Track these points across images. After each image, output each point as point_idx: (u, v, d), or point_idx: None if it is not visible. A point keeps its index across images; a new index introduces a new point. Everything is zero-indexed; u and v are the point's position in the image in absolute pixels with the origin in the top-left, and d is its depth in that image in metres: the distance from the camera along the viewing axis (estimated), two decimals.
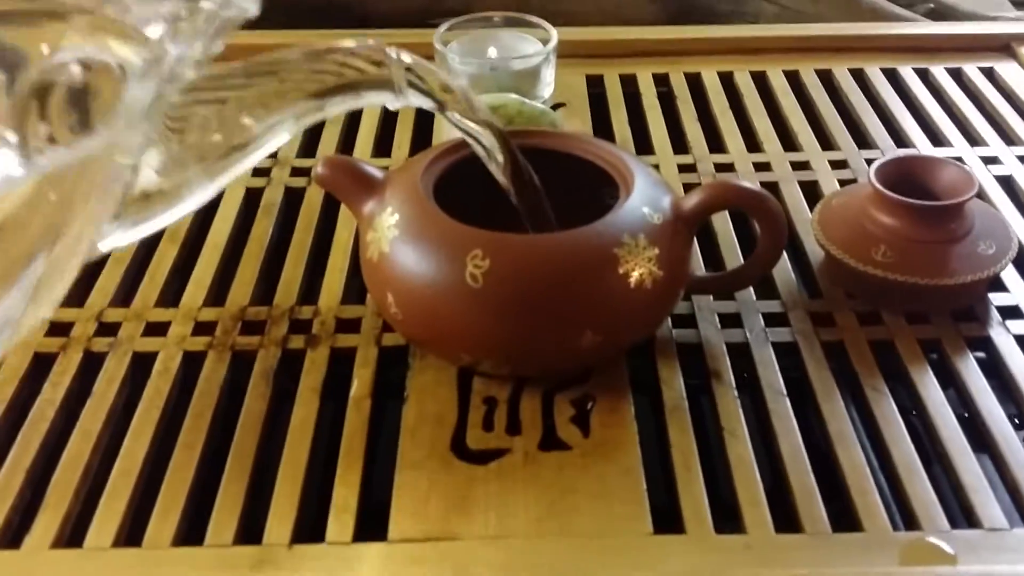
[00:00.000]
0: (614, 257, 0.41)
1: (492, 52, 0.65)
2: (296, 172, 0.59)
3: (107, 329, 0.47)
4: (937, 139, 0.62)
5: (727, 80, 0.68)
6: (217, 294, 0.50)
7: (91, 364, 0.46)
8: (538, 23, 0.65)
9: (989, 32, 0.71)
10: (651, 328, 0.45)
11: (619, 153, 0.47)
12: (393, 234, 0.43)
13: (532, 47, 0.65)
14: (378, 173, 0.46)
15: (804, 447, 0.41)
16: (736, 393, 0.44)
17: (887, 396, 0.44)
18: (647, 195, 0.44)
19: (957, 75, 0.69)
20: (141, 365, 0.46)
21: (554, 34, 0.64)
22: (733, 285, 0.48)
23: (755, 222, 0.45)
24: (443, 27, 0.64)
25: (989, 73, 0.69)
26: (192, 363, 0.46)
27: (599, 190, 0.46)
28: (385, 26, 0.74)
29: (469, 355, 0.43)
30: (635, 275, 0.42)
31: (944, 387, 0.44)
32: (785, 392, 0.44)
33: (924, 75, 0.69)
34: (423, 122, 0.64)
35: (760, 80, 0.68)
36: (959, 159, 0.59)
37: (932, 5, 0.78)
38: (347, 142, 0.62)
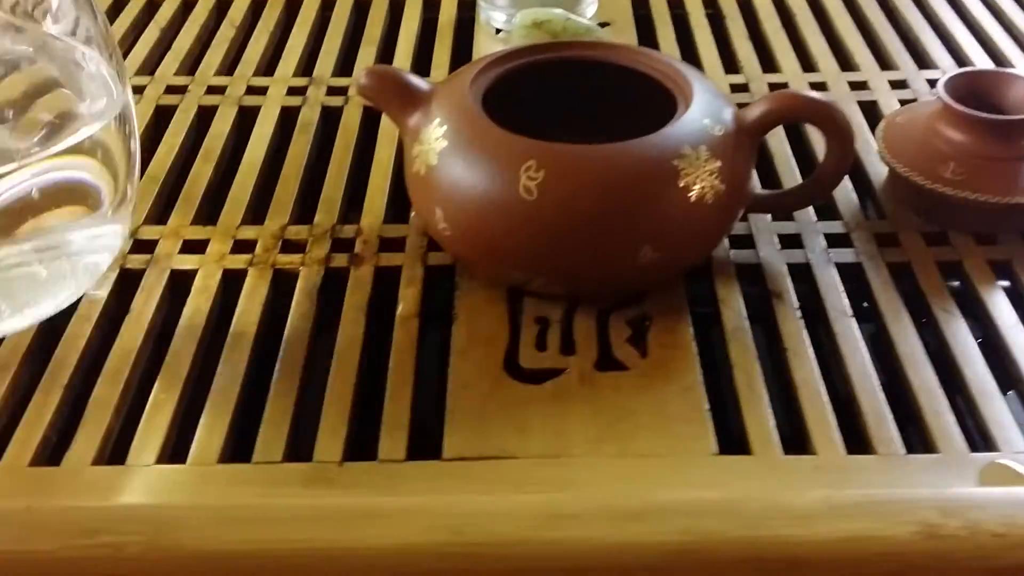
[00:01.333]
0: (674, 169, 0.39)
1: None
2: (332, 91, 0.57)
3: (143, 246, 0.46)
4: (998, 59, 0.59)
5: (779, 1, 0.65)
6: (256, 213, 0.49)
7: (128, 282, 0.44)
8: None
9: None
10: (711, 246, 0.43)
11: (676, 65, 0.45)
12: (441, 146, 0.41)
13: None
14: (424, 84, 0.44)
15: (873, 369, 0.40)
16: (799, 314, 0.42)
17: (958, 317, 0.42)
18: (707, 106, 0.42)
19: None
20: (180, 283, 0.44)
21: None
22: (796, 203, 0.46)
23: (822, 135, 0.43)
24: None
25: None
26: (232, 282, 0.44)
27: (656, 103, 0.44)
28: None
29: (521, 272, 0.41)
30: (696, 188, 0.40)
31: (1017, 308, 0.42)
32: (851, 313, 0.42)
33: None
34: (462, 39, 0.62)
35: (813, 0, 0.65)
36: None
37: None
38: (384, 59, 0.60)
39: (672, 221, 0.40)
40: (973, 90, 0.46)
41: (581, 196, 0.39)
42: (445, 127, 0.41)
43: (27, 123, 0.40)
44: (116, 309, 0.43)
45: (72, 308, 0.42)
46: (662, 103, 0.43)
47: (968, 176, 0.44)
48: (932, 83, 0.56)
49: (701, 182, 0.40)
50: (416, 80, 0.44)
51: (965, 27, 0.62)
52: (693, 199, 0.40)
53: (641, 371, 0.40)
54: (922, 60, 0.60)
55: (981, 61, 0.59)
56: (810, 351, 0.40)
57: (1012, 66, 0.58)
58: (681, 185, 0.39)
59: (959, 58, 0.59)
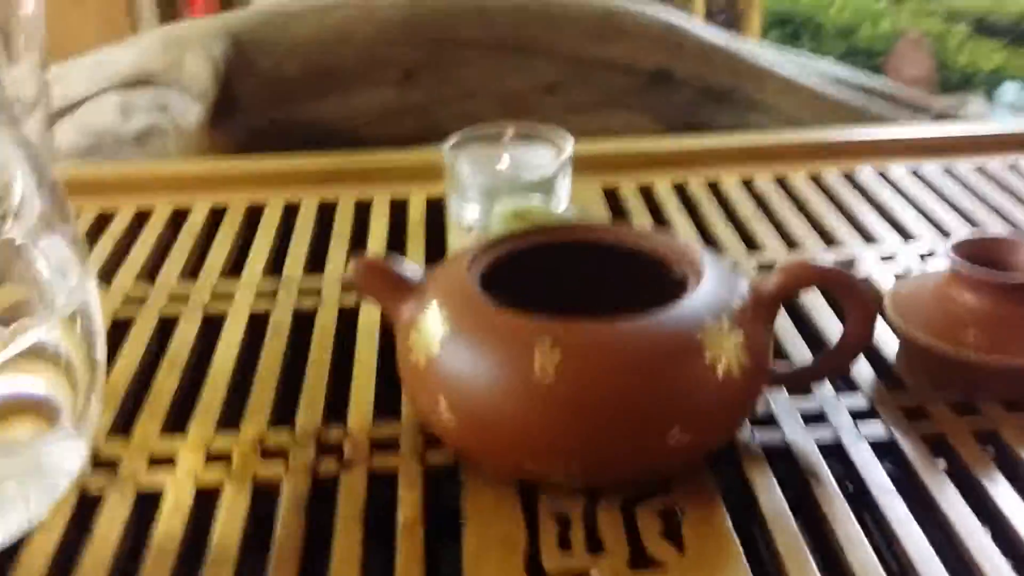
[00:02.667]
0: (698, 343, 0.37)
1: (504, 164, 0.61)
2: (304, 293, 0.54)
3: (105, 463, 0.41)
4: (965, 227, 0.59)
5: (748, 185, 0.65)
6: (229, 420, 0.44)
7: (88, 505, 0.39)
8: (550, 134, 0.62)
9: (1004, 132, 0.70)
10: (738, 424, 0.40)
11: (682, 241, 0.43)
12: (443, 332, 0.38)
13: (545, 158, 0.61)
14: (416, 272, 0.41)
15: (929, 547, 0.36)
16: (840, 495, 0.39)
17: (1007, 486, 0.39)
18: (722, 279, 0.40)
19: (982, 169, 0.67)
20: (147, 503, 0.39)
21: (569, 142, 0.61)
22: (818, 376, 0.43)
23: (844, 305, 0.40)
24: (451, 141, 0.61)
25: (1014, 167, 0.67)
26: (208, 499, 0.39)
27: (661, 282, 0.42)
28: (380, 148, 0.71)
29: (537, 463, 0.37)
30: (723, 363, 0.37)
31: None
32: (894, 489, 0.39)
33: (949, 171, 0.67)
34: (433, 235, 0.60)
35: (782, 183, 0.65)
36: None
37: (938, 111, 0.77)
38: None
39: (700, 399, 0.37)
40: (980, 255, 0.45)
41: (605, 375, 0.36)
42: (446, 313, 0.38)
43: None
44: (75, 536, 0.38)
45: (23, 539, 0.37)
46: (668, 281, 0.41)
47: (992, 341, 0.42)
48: (921, 256, 0.56)
49: (727, 356, 0.37)
50: (407, 268, 0.41)
51: (937, 200, 0.62)
52: (720, 375, 0.37)
53: (681, 568, 0.35)
54: (907, 236, 0.59)
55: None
56: (861, 535, 0.37)
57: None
58: (707, 360, 0.36)
59: (942, 230, 0.59)
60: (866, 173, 0.66)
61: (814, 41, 3.76)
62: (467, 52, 0.71)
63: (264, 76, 0.70)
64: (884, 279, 0.53)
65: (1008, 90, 3.50)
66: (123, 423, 0.44)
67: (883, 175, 0.66)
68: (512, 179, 0.60)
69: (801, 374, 0.43)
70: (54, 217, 0.38)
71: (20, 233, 0.37)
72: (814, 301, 0.51)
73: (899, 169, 0.67)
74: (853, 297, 0.40)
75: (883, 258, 0.56)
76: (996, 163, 0.67)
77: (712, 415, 0.37)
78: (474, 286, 0.39)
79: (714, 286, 0.39)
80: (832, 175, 0.66)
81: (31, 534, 0.37)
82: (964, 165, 0.67)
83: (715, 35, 0.78)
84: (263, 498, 0.39)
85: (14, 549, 0.37)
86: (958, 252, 0.45)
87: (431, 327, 0.38)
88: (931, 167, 0.67)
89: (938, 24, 3.66)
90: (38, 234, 0.37)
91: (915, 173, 0.66)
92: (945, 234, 0.58)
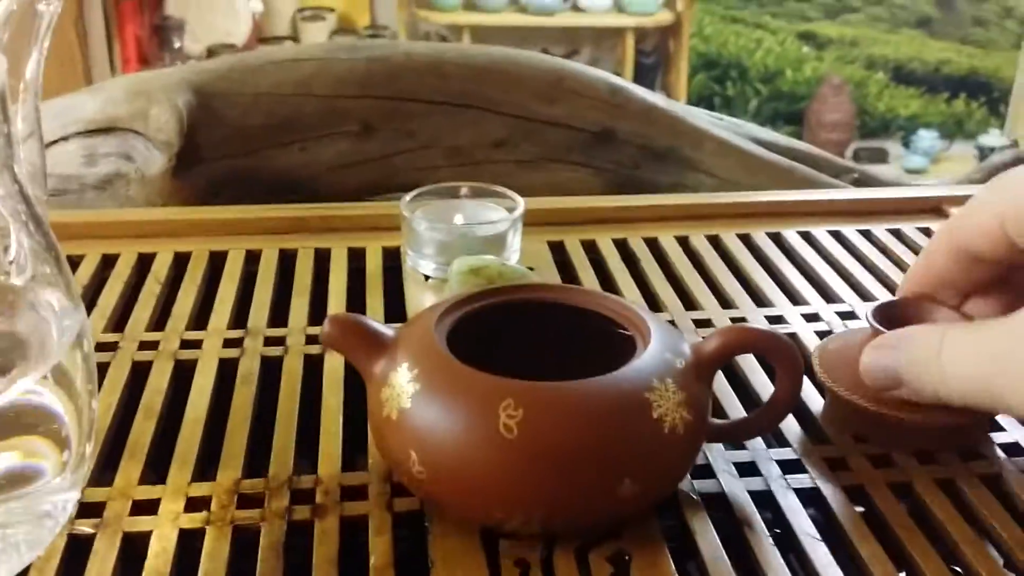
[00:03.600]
0: (647, 402, 0.41)
1: (459, 219, 0.65)
2: (269, 341, 0.57)
3: (91, 509, 0.43)
4: (893, 292, 0.64)
5: (684, 243, 0.70)
6: (205, 468, 0.47)
7: (78, 549, 0.42)
8: (503, 192, 0.66)
9: (919, 196, 0.76)
10: (681, 476, 0.44)
11: (629, 304, 0.47)
12: (413, 389, 0.41)
13: (498, 214, 0.65)
14: (387, 330, 0.45)
15: None
16: (770, 540, 0.43)
17: (919, 534, 0.43)
18: (666, 341, 0.44)
19: (897, 234, 0.72)
20: (134, 546, 0.42)
21: (521, 202, 0.65)
22: (752, 431, 0.47)
23: (775, 367, 0.45)
24: (409, 196, 0.65)
25: (926, 232, 0.72)
26: (190, 541, 0.42)
27: (612, 340, 0.46)
28: (337, 200, 0.74)
29: (500, 510, 0.41)
30: (668, 420, 0.41)
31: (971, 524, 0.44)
32: (819, 536, 0.43)
33: (867, 235, 0.72)
34: (391, 285, 0.63)
35: (715, 242, 0.70)
36: None
37: (856, 175, 0.83)
38: (317, 309, 0.61)
39: (649, 452, 0.41)
40: (898, 317, 0.50)
41: (562, 431, 0.39)
42: (416, 371, 0.42)
43: None
44: None
45: None
46: (618, 340, 0.45)
47: (906, 398, 0.47)
48: (844, 315, 0.61)
49: (672, 413, 0.41)
50: (379, 326, 0.45)
51: (858, 263, 0.68)
52: (666, 430, 0.41)
53: None
54: (829, 295, 0.64)
55: (880, 294, 0.64)
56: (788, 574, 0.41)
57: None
58: (655, 416, 0.40)
59: (862, 294, 0.64)
60: (791, 235, 0.71)
61: (739, 84, 3.88)
62: (422, 107, 0.75)
63: (227, 126, 0.73)
64: (808, 338, 0.58)
65: (923, 137, 3.65)
66: (104, 469, 0.47)
67: (807, 237, 0.71)
68: (467, 234, 0.63)
69: (737, 429, 0.47)
70: (50, 262, 0.40)
71: (21, 278, 0.40)
72: (748, 362, 0.56)
73: (821, 231, 0.72)
74: (785, 361, 0.44)
75: (806, 317, 0.61)
76: (909, 227, 0.73)
77: (659, 468, 0.41)
78: (441, 345, 0.43)
79: (660, 348, 0.43)
80: (760, 236, 0.71)
81: None
82: (880, 228, 0.72)
83: (656, 97, 0.83)
84: (243, 542, 0.42)
85: None
86: (876, 315, 0.49)
87: (402, 384, 0.42)
88: (850, 230, 0.72)
89: (859, 71, 3.82)
90: (37, 279, 0.40)
91: (836, 235, 0.72)
92: (863, 296, 0.63)
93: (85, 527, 0.42)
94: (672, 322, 0.60)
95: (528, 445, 0.39)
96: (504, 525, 0.42)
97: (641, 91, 0.81)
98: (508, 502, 0.40)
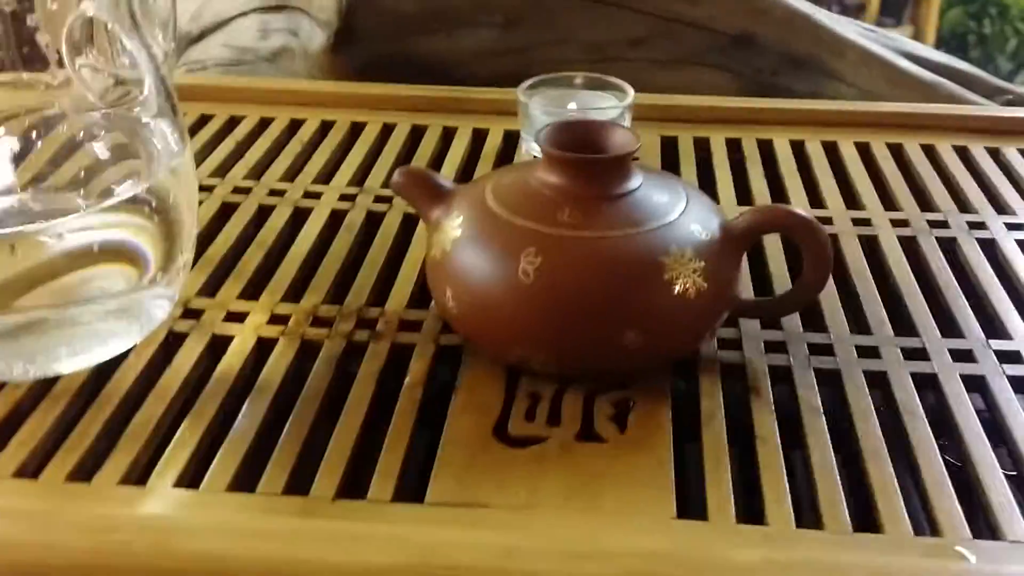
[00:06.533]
0: (659, 264, 0.44)
1: (572, 106, 0.69)
2: (379, 199, 0.63)
3: (192, 314, 0.52)
4: (1002, 208, 0.63)
5: (798, 148, 0.71)
6: (295, 294, 0.54)
7: (174, 341, 0.50)
8: (616, 83, 0.69)
9: None
10: (694, 339, 0.47)
11: (674, 176, 0.50)
12: (456, 234, 0.46)
13: (609, 103, 0.69)
14: (448, 183, 0.50)
15: (833, 458, 0.43)
16: (772, 408, 0.45)
17: (922, 420, 0.45)
18: (697, 215, 0.47)
19: None
20: (218, 345, 0.50)
21: (631, 92, 0.68)
22: (778, 310, 0.50)
23: (802, 248, 0.47)
24: (526, 83, 0.69)
25: None
26: (265, 347, 0.49)
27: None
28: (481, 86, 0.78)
29: (519, 349, 0.46)
30: (679, 283, 0.44)
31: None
32: (822, 410, 0.45)
33: (995, 154, 0.70)
34: (504, 164, 0.68)
35: (831, 149, 0.71)
36: None
37: (1011, 97, 0.80)
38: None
39: (655, 310, 0.44)
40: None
41: (573, 279, 0.44)
42: (461, 218, 0.47)
43: (96, 185, 0.47)
44: (160, 362, 0.48)
45: (122, 357, 0.48)
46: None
47: None
48: (933, 224, 0.61)
49: (684, 278, 0.44)
50: (441, 180, 0.50)
51: (974, 180, 0.67)
52: (676, 292, 0.44)
53: (617, 444, 0.43)
54: (927, 204, 0.64)
55: (986, 212, 0.63)
56: (777, 439, 0.44)
57: (1015, 214, 0.62)
58: (665, 278, 0.44)
59: (963, 205, 0.63)
60: (913, 148, 0.71)
61: (998, 22, 3.60)
62: (563, 3, 0.78)
63: (382, 11, 0.79)
64: (888, 241, 0.59)
65: None
66: (212, 286, 0.55)
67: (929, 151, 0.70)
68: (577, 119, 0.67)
69: (766, 306, 0.50)
70: (168, 109, 0.48)
71: (145, 115, 0.48)
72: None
73: (945, 147, 0.71)
74: (812, 246, 0.46)
75: (894, 222, 0.61)
76: None
77: (665, 326, 0.45)
78: (488, 197, 0.47)
79: (687, 220, 0.46)
80: (880, 147, 0.71)
81: (128, 355, 0.48)
82: (1010, 149, 0.70)
83: (800, 3, 0.82)
84: (307, 353, 0.49)
85: (115, 363, 0.47)
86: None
87: (449, 229, 0.47)
88: (978, 149, 0.71)
89: None
90: (156, 118, 0.48)
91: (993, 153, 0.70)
92: (964, 209, 0.63)
93: (182, 328, 0.50)
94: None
95: (541, 290, 0.44)
96: (525, 362, 0.47)
97: None
98: (523, 340, 0.45)
